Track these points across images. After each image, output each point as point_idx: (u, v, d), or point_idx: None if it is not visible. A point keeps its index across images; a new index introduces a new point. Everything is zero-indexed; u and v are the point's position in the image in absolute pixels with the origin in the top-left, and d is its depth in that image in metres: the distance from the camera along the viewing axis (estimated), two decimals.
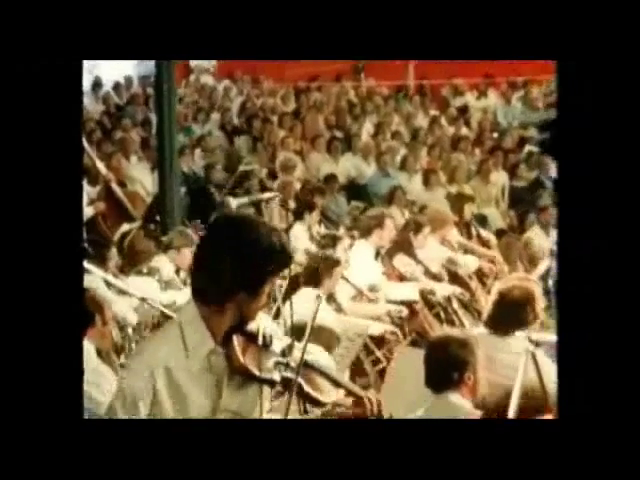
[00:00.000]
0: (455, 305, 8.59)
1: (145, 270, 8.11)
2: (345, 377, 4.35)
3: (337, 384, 3.64)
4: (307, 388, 3.55)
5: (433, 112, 17.13)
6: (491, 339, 5.45)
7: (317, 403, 3.63)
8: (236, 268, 3.31)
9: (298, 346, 3.53)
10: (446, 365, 4.61)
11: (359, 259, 8.58)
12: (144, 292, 7.24)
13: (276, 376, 3.43)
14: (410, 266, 8.93)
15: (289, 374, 3.46)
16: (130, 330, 7.17)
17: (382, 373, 7.13)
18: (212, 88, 18.10)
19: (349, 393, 3.67)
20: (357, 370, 7.38)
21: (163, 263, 8.44)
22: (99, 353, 5.99)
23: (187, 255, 8.36)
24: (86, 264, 6.77)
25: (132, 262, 8.21)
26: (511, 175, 13.83)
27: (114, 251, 8.19)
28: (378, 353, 7.68)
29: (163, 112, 9.56)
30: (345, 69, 18.55)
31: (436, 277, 9.08)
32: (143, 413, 3.26)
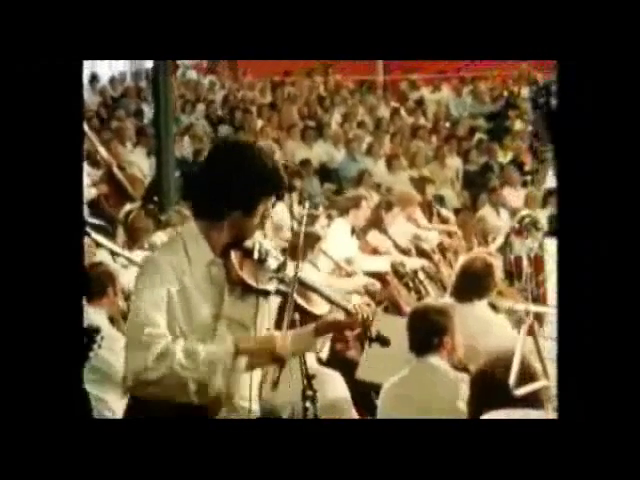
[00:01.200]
0: (421, 276, 8.64)
1: (146, 245, 8.05)
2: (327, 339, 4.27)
3: (327, 299, 3.62)
4: (300, 301, 3.53)
5: (394, 104, 17.07)
6: (456, 307, 5.38)
7: (310, 315, 3.59)
8: (233, 187, 3.32)
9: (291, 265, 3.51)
10: (427, 331, 4.59)
11: (337, 235, 8.57)
12: None
13: (271, 287, 3.44)
14: (382, 241, 8.94)
15: (283, 287, 3.46)
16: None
17: (360, 337, 7.03)
18: (197, 82, 17.95)
19: (339, 307, 3.64)
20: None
21: (162, 239, 8.37)
22: (111, 320, 5.92)
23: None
24: (99, 239, 6.75)
25: (134, 238, 8.13)
26: (464, 160, 13.84)
27: (120, 229, 8.16)
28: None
29: (160, 104, 9.52)
30: (315, 65, 18.44)
31: (404, 251, 9.11)
32: (162, 324, 3.24)
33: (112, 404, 5.66)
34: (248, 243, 3.44)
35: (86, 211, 9.85)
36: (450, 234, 9.84)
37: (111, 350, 5.24)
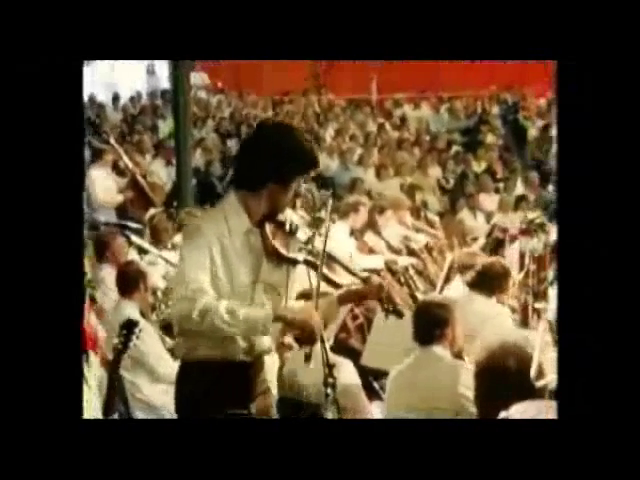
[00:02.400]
0: (411, 272, 8.55)
1: (169, 246, 8.00)
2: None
3: (349, 271, 3.69)
4: (326, 271, 3.58)
5: (380, 120, 17.01)
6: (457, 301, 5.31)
7: (334, 284, 3.63)
8: (272, 161, 3.31)
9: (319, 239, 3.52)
10: (430, 323, 4.50)
11: (338, 236, 8.50)
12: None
13: (300, 257, 3.43)
14: (377, 242, 8.92)
15: (311, 258, 3.45)
16: (160, 294, 7.00)
17: (360, 327, 7.00)
18: (207, 101, 17.89)
19: (359, 278, 3.72)
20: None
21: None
22: (141, 313, 5.86)
23: None
24: (133, 238, 6.77)
25: (158, 239, 8.10)
26: (443, 169, 13.76)
27: (147, 231, 8.14)
28: (356, 310, 7.57)
29: (179, 119, 9.46)
30: (309, 86, 18.40)
31: (396, 250, 9.05)
32: (206, 282, 3.22)
33: (142, 387, 5.67)
34: (280, 217, 3.43)
35: (114, 214, 9.83)
36: (435, 235, 9.80)
37: (142, 339, 5.17)
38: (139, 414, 5.54)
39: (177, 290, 3.27)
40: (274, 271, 3.43)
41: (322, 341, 3.48)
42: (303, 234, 3.50)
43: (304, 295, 3.73)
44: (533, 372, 2.79)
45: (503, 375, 2.98)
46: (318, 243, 3.50)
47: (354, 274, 3.68)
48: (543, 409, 2.74)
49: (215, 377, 3.32)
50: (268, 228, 3.39)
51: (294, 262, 3.46)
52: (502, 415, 2.75)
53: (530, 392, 2.86)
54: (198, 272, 3.20)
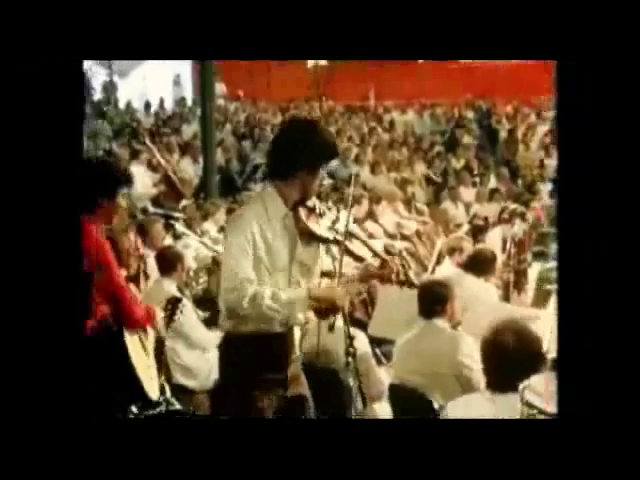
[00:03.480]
0: (405, 254, 8.52)
1: (199, 232, 7.95)
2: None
3: (370, 248, 3.71)
4: (351, 247, 3.54)
5: (372, 124, 16.90)
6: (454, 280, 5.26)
7: (357, 258, 3.59)
8: (302, 152, 3.26)
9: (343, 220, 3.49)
10: (433, 300, 4.46)
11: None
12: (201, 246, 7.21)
13: (329, 235, 3.40)
14: (376, 229, 8.86)
15: (338, 237, 3.42)
16: (192, 273, 6.94)
17: (364, 302, 6.97)
18: (225, 107, 17.77)
19: (378, 255, 3.71)
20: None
21: (210, 227, 8.29)
22: (179, 289, 5.82)
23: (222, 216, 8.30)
24: (181, 228, 6.77)
25: (190, 226, 8.03)
26: (428, 166, 13.67)
27: (181, 220, 8.10)
28: (361, 288, 7.54)
29: (206, 124, 9.39)
30: (311, 94, 18.29)
31: (391, 236, 8.99)
32: (249, 268, 3.19)
33: (180, 353, 5.61)
34: (309, 203, 3.40)
35: (149, 205, 9.77)
36: (425, 222, 9.74)
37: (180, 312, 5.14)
38: (179, 377, 5.51)
39: (226, 281, 3.21)
40: (306, 250, 3.40)
41: (344, 316, 3.45)
42: (330, 215, 3.49)
43: (327, 274, 3.70)
44: (545, 346, 2.72)
45: (509, 350, 2.93)
46: (341, 225, 3.48)
47: (375, 252, 3.68)
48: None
49: (256, 347, 3.29)
50: (301, 212, 3.36)
51: (325, 240, 3.44)
52: (522, 386, 2.64)
53: (537, 365, 2.81)
54: (243, 261, 3.17)
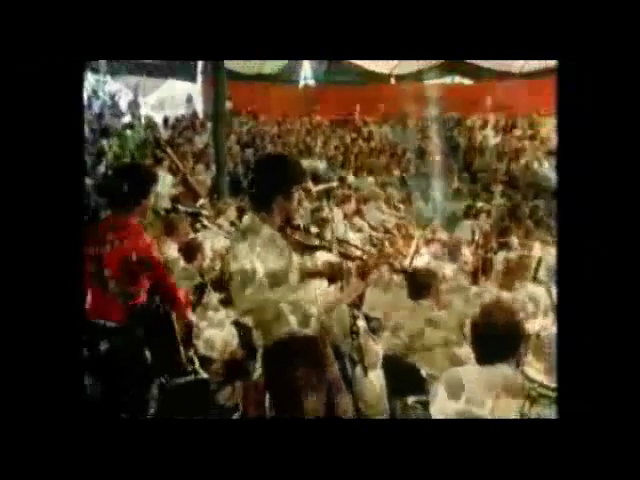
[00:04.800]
0: (387, 245, 8.43)
1: (214, 227, 7.82)
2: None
3: (357, 247, 3.66)
4: (341, 250, 3.42)
5: (353, 135, 16.76)
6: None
7: (349, 258, 3.46)
8: (273, 180, 3.16)
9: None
10: (420, 285, 4.36)
11: (335, 219, 8.37)
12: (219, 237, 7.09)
13: (317, 243, 3.32)
14: (362, 224, 8.76)
15: (325, 244, 3.34)
16: (209, 260, 6.79)
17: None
18: (231, 121, 17.51)
19: (366, 253, 3.56)
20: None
21: (222, 222, 8.16)
22: (200, 275, 5.69)
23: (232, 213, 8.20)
24: (205, 222, 6.65)
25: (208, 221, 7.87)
26: (402, 171, 13.59)
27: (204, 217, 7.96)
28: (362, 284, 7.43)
29: (217, 135, 9.26)
30: (303, 111, 18.11)
31: (375, 229, 8.90)
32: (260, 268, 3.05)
33: (204, 330, 5.45)
34: (294, 222, 3.31)
35: (169, 204, 9.59)
36: (403, 218, 9.67)
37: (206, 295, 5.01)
38: (202, 350, 5.40)
39: (246, 285, 3.04)
40: (302, 259, 3.30)
41: (348, 305, 3.41)
42: (314, 229, 3.41)
43: (326, 273, 3.56)
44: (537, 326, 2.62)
45: (495, 327, 2.82)
46: (327, 234, 3.44)
47: (362, 250, 3.58)
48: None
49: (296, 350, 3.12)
50: (289, 230, 3.28)
51: (313, 248, 3.34)
52: (522, 363, 2.46)
53: (518, 340, 2.71)
54: (255, 264, 3.05)
